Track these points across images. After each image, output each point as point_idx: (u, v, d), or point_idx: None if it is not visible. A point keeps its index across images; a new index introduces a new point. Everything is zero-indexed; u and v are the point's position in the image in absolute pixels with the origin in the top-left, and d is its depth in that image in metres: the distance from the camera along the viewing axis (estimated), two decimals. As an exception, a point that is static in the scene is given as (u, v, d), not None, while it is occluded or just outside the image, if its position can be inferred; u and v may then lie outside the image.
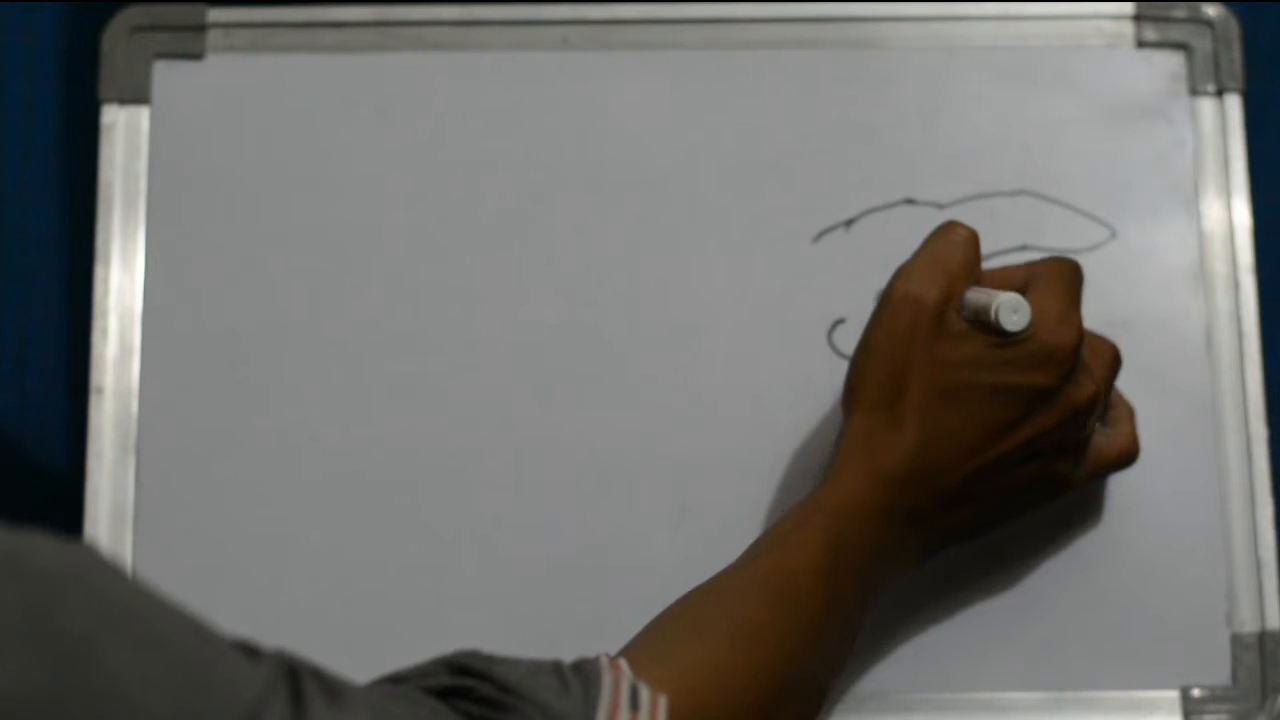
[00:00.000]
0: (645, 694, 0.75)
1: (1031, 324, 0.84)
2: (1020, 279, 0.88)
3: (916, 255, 0.87)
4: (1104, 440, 0.90)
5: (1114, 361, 0.90)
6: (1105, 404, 0.90)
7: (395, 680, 0.74)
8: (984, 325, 0.85)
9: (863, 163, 0.99)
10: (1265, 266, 0.99)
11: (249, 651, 0.64)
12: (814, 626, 0.82)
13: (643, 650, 0.80)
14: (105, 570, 0.60)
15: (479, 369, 0.97)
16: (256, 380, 0.97)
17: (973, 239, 0.87)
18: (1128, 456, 0.91)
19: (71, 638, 0.57)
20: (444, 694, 0.73)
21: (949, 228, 0.87)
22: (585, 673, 0.75)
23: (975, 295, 0.86)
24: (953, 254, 0.86)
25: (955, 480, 0.85)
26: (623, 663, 0.78)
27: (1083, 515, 0.95)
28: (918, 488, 0.84)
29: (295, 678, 0.64)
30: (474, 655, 0.75)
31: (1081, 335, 0.85)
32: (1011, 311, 0.84)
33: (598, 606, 0.95)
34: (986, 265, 0.97)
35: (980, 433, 0.84)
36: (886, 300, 0.86)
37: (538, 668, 0.75)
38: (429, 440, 0.96)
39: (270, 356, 0.97)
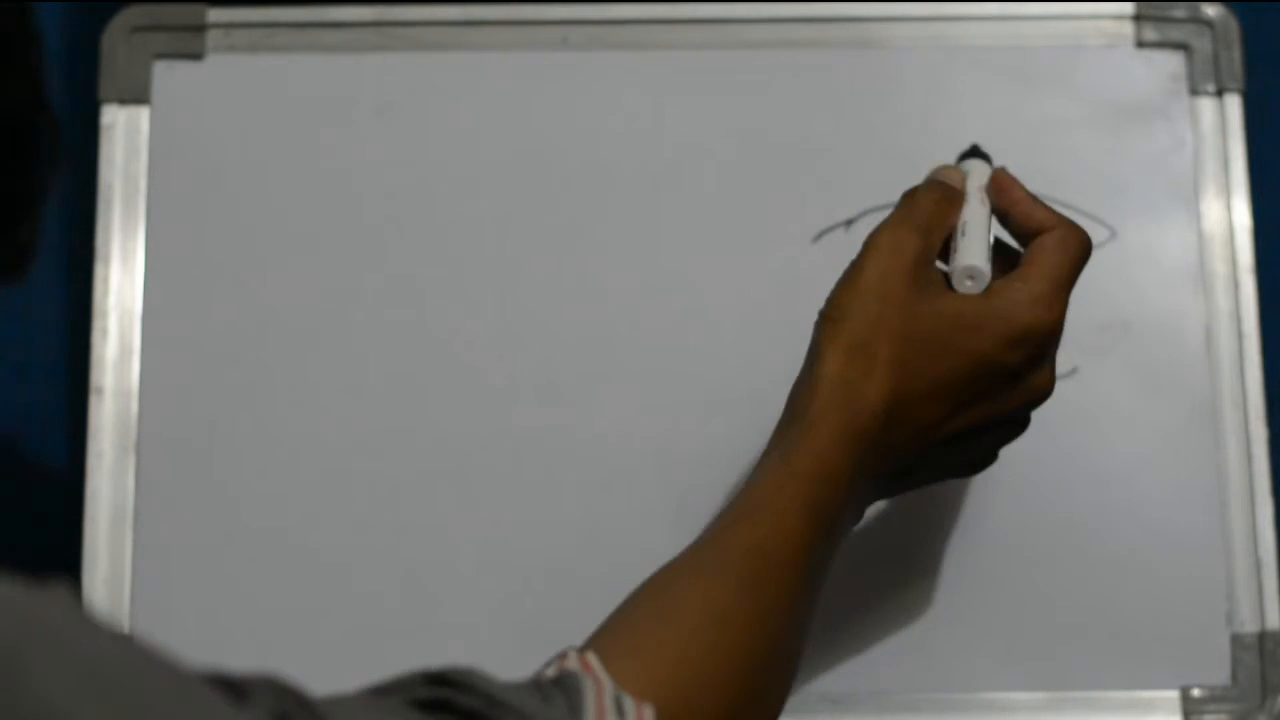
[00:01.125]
0: (629, 703, 0.73)
1: (1011, 293, 0.81)
2: (1035, 225, 0.85)
3: (899, 205, 0.85)
4: None
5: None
6: None
7: (376, 693, 0.73)
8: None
9: (863, 163, 0.99)
10: (1265, 266, 0.99)
11: (234, 691, 0.62)
12: (791, 603, 0.80)
13: (615, 641, 0.78)
14: (74, 621, 0.57)
15: (479, 368, 0.97)
16: (256, 380, 0.97)
17: (949, 192, 0.85)
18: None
19: (39, 700, 0.54)
20: (425, 706, 0.71)
21: (931, 179, 0.86)
22: (565, 685, 0.74)
23: (955, 245, 0.84)
24: (927, 206, 0.84)
25: (915, 446, 0.83)
26: (595, 663, 0.76)
27: (1082, 515, 0.95)
28: (884, 451, 0.82)
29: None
30: (452, 668, 0.74)
31: (1061, 323, 0.83)
32: (966, 278, 0.82)
33: (598, 606, 0.95)
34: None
35: (949, 401, 0.82)
36: (874, 244, 0.83)
37: (517, 683, 0.74)
38: (429, 440, 0.96)
39: (270, 356, 0.97)
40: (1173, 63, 1.01)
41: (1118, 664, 0.94)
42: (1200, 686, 0.94)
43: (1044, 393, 0.84)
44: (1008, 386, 0.83)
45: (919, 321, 0.82)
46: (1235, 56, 1.00)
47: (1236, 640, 0.95)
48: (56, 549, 1.00)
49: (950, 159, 0.99)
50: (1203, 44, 1.01)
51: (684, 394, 0.97)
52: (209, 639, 0.93)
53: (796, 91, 1.01)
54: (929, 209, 0.84)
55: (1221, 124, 1.00)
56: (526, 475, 0.96)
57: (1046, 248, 0.84)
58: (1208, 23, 1.01)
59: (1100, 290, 0.97)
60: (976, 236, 0.84)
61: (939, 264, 0.85)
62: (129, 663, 0.58)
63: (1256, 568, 0.95)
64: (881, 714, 0.94)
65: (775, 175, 1.00)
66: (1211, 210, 0.99)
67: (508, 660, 0.94)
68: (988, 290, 0.82)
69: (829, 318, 0.83)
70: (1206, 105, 1.00)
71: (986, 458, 0.87)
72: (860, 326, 0.82)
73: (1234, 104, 1.00)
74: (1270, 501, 0.96)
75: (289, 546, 0.96)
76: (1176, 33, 1.01)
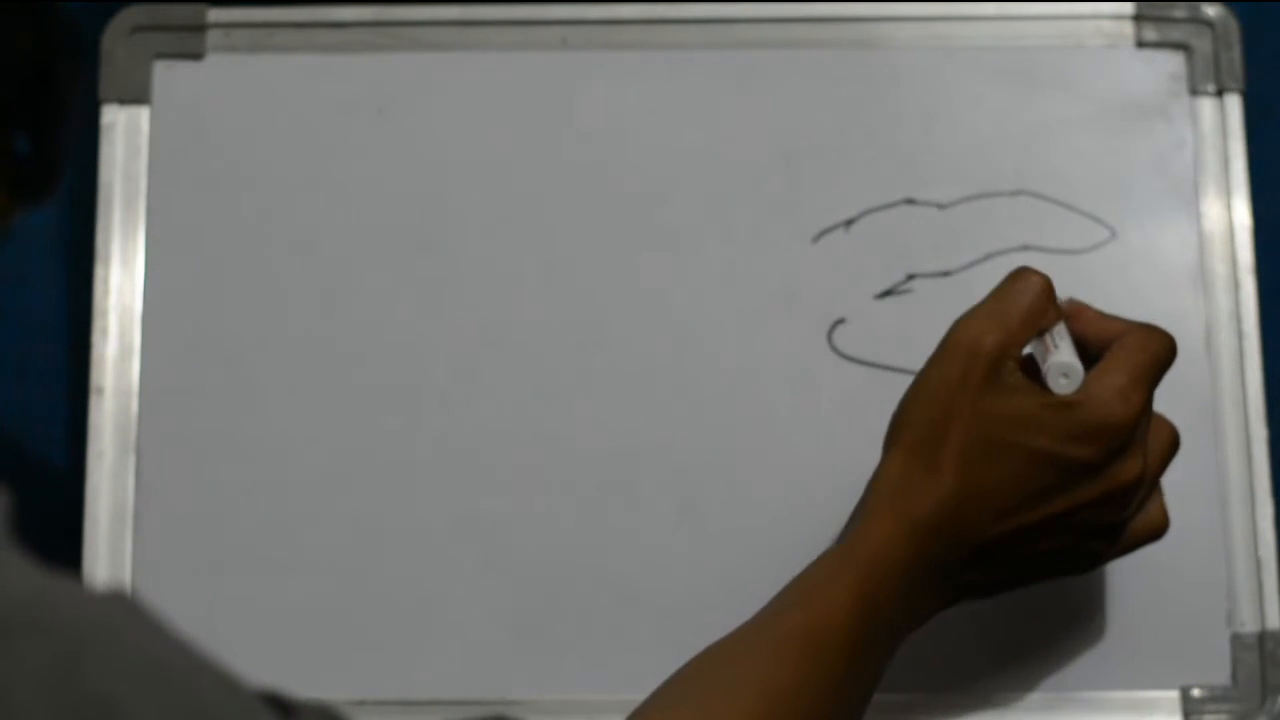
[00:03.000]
0: None
1: (1082, 389, 0.82)
2: (1111, 332, 0.85)
3: (982, 300, 0.85)
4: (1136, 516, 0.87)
5: (1172, 445, 0.87)
6: (1153, 488, 0.87)
7: None
8: (1040, 374, 0.83)
9: (863, 163, 0.99)
10: (1265, 266, 0.99)
11: (281, 708, 0.63)
12: (842, 686, 0.81)
13: (671, 713, 0.79)
14: (135, 622, 0.58)
15: (479, 369, 0.97)
16: (256, 380, 0.97)
17: (1042, 288, 0.84)
18: (1158, 532, 0.88)
19: (97, 696, 0.55)
20: None
21: (1019, 274, 0.85)
22: None
23: (1036, 346, 0.84)
24: (1016, 302, 0.83)
25: (984, 539, 0.83)
26: None
27: (1083, 515, 0.95)
28: (947, 540, 0.82)
29: None
30: (496, 716, 0.75)
31: (1139, 415, 0.82)
32: (1060, 375, 0.82)
33: (598, 606, 0.95)
34: (987, 266, 0.98)
35: (1016, 495, 0.82)
36: (944, 344, 0.84)
37: None
38: (429, 440, 0.96)
39: (270, 356, 0.97)
40: (1173, 63, 1.01)
41: (1118, 664, 0.94)
42: (1200, 686, 0.94)
43: (1130, 481, 0.83)
44: (1084, 479, 0.82)
45: (988, 421, 0.82)
46: (1235, 56, 1.00)
47: (1236, 640, 0.94)
48: (56, 549, 1.00)
49: (950, 159, 1.00)
50: (1203, 44, 1.01)
51: (684, 394, 0.97)
52: (209, 639, 0.92)
53: (796, 91, 1.01)
54: (1023, 304, 0.84)
55: (1221, 124, 1.00)
56: (527, 476, 0.96)
57: (1126, 345, 0.84)
58: (1208, 23, 1.01)
59: (1100, 290, 0.97)
60: (1065, 338, 0.84)
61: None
62: (183, 664, 0.58)
63: (1256, 568, 0.95)
64: (881, 714, 0.94)
65: (775, 175, 1.00)
66: (1211, 210, 0.99)
67: (508, 660, 0.94)
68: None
69: (895, 422, 0.84)
70: (1206, 105, 1.00)
71: (1083, 551, 0.86)
72: (922, 431, 0.83)
73: (1234, 104, 1.00)
74: (1270, 501, 0.96)
75: (289, 547, 0.95)
76: (1176, 33, 1.01)
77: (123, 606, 0.58)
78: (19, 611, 0.55)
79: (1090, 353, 0.84)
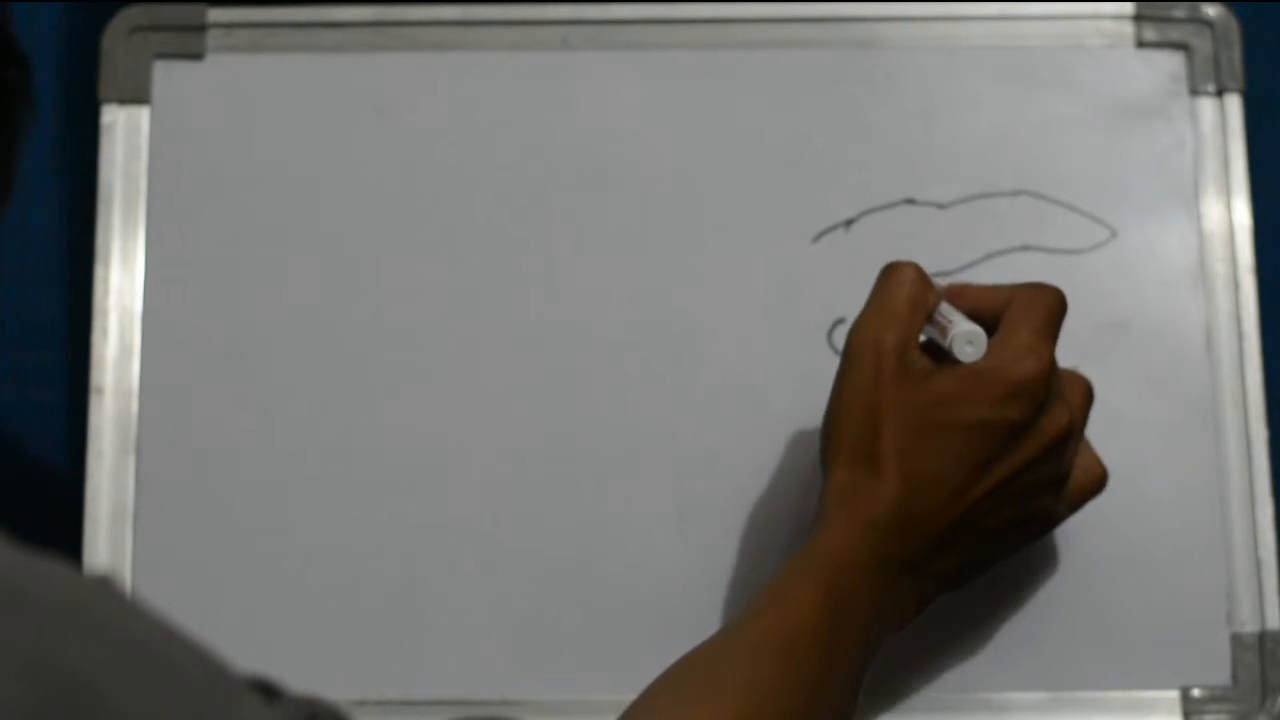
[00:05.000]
0: None
1: (992, 355, 0.84)
2: (1000, 301, 0.87)
3: (866, 304, 0.87)
4: (1076, 472, 0.89)
5: (1088, 395, 0.89)
6: (1080, 436, 0.89)
7: None
8: (944, 355, 0.85)
9: (863, 163, 1.00)
10: (1265, 266, 0.99)
11: (267, 692, 0.63)
12: (817, 683, 0.81)
13: (654, 718, 0.80)
14: (116, 603, 0.58)
15: (478, 368, 0.97)
16: (257, 380, 0.97)
17: (916, 276, 0.86)
18: (1100, 482, 0.90)
19: (75, 673, 0.55)
20: None
21: (890, 269, 0.87)
22: None
23: (932, 328, 0.86)
24: (898, 294, 0.86)
25: (942, 524, 0.84)
26: None
27: (1082, 515, 0.95)
28: (906, 535, 0.84)
29: None
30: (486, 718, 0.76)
31: (1049, 366, 0.84)
32: (966, 343, 0.84)
33: (598, 606, 0.95)
34: (987, 266, 0.98)
35: (961, 472, 0.84)
36: (846, 353, 0.86)
37: None
38: (429, 440, 0.96)
39: (270, 356, 0.97)
40: (1173, 63, 1.01)
41: (1118, 664, 0.94)
42: (1200, 686, 0.94)
43: (1062, 430, 0.85)
44: (1019, 439, 0.85)
45: (913, 410, 0.84)
46: (1235, 56, 1.00)
47: (1236, 640, 0.95)
48: (56, 549, 1.00)
49: (950, 159, 1.00)
50: (1203, 44, 1.01)
51: (684, 394, 0.97)
52: (209, 639, 0.92)
53: (796, 91, 1.01)
54: (904, 294, 0.86)
55: (1221, 124, 1.00)
56: (526, 475, 0.96)
57: (1019, 306, 0.86)
58: (1208, 23, 1.01)
59: (1100, 290, 0.97)
60: (955, 312, 0.86)
61: (931, 331, 0.86)
62: (164, 645, 0.58)
63: (1256, 568, 0.95)
64: (880, 714, 0.94)
65: (775, 175, 1.00)
66: (1211, 210, 0.99)
67: (508, 660, 0.94)
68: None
69: (826, 440, 0.86)
70: (1206, 105, 1.00)
71: (1035, 513, 0.88)
72: (855, 440, 0.85)
73: (1234, 104, 1.00)
74: (1270, 501, 0.96)
75: (289, 546, 0.96)
76: (1176, 33, 1.01)
77: (105, 589, 0.58)
78: None
79: (985, 325, 0.86)
